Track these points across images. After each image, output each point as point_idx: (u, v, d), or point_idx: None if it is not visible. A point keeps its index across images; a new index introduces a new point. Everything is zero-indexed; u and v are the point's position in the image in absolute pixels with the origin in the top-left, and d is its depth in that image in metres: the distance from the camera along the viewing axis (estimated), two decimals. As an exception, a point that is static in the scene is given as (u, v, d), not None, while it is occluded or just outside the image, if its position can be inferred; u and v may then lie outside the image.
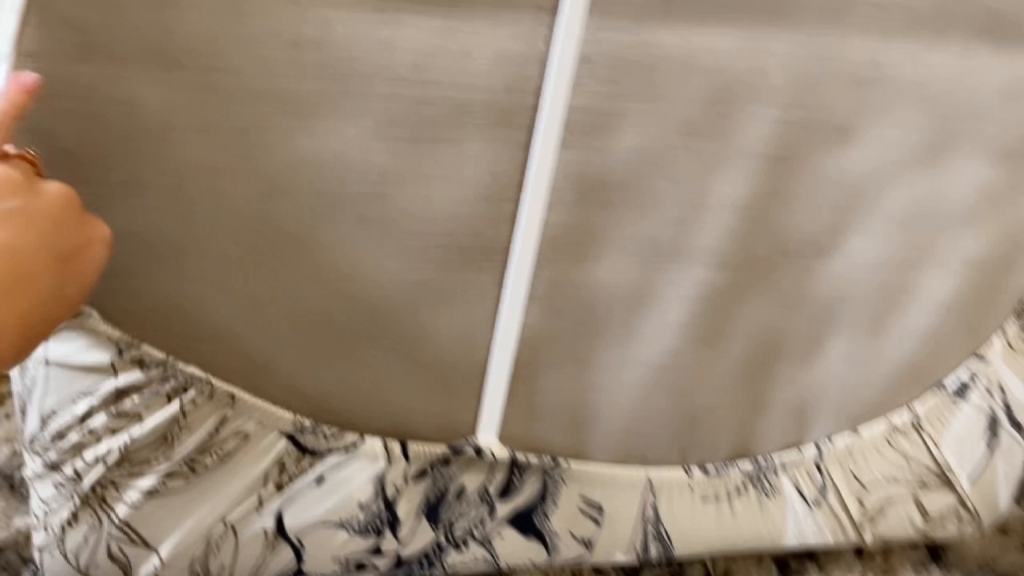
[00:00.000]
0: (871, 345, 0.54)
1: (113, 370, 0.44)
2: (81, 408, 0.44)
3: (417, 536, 0.51)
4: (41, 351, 0.44)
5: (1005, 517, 0.73)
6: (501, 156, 0.46)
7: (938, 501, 0.59)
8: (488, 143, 0.46)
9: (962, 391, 0.57)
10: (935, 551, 0.69)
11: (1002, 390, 0.58)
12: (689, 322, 0.51)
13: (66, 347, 0.44)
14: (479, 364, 0.50)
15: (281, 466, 0.47)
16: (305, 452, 0.48)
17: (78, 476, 0.45)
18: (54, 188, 0.34)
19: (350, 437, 0.48)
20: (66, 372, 0.44)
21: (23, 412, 0.46)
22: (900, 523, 0.59)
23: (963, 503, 0.59)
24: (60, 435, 0.45)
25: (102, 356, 0.44)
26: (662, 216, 0.49)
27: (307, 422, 0.47)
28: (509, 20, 0.45)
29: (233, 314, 0.45)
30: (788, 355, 0.54)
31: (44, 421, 0.45)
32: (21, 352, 0.32)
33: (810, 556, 0.67)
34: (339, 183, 0.44)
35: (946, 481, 0.58)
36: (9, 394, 0.68)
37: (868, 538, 0.59)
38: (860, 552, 0.68)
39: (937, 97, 0.51)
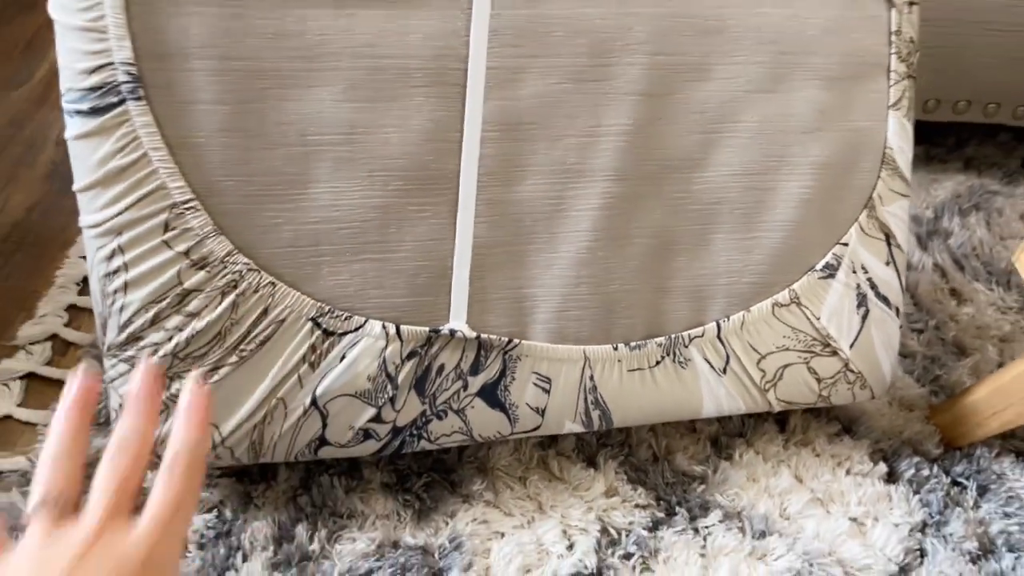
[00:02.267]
0: (748, 238, 0.69)
1: (179, 278, 0.60)
2: (152, 312, 0.60)
3: (408, 406, 0.66)
4: (123, 277, 0.60)
5: (905, 393, 0.86)
6: (438, 107, 0.63)
7: (827, 366, 0.73)
8: (427, 98, 0.62)
9: (830, 271, 0.71)
10: (848, 427, 0.83)
11: (864, 269, 0.72)
12: (598, 226, 0.67)
13: (140, 268, 0.60)
14: (444, 268, 0.65)
15: (312, 347, 0.63)
16: (328, 334, 0.63)
17: (146, 371, 0.61)
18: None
19: (357, 320, 0.63)
20: (140, 288, 0.60)
21: (104, 327, 0.62)
22: (798, 387, 0.73)
23: (848, 367, 0.73)
24: (136, 337, 0.61)
25: (171, 269, 0.60)
26: (566, 144, 0.65)
27: (326, 307, 0.63)
28: (434, 5, 0.61)
29: (254, 238, 0.61)
30: (681, 249, 0.69)
31: (122, 328, 0.61)
32: None
33: (740, 434, 0.81)
34: (319, 135, 0.61)
35: (829, 347, 0.72)
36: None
37: (772, 400, 0.73)
38: (783, 428, 0.82)
39: (771, 38, 0.67)
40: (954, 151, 1.17)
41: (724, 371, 0.71)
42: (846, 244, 0.71)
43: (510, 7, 0.62)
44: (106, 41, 0.57)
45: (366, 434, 0.66)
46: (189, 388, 0.45)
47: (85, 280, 0.89)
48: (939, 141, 1.18)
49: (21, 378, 0.81)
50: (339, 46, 0.60)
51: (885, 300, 0.73)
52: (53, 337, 0.85)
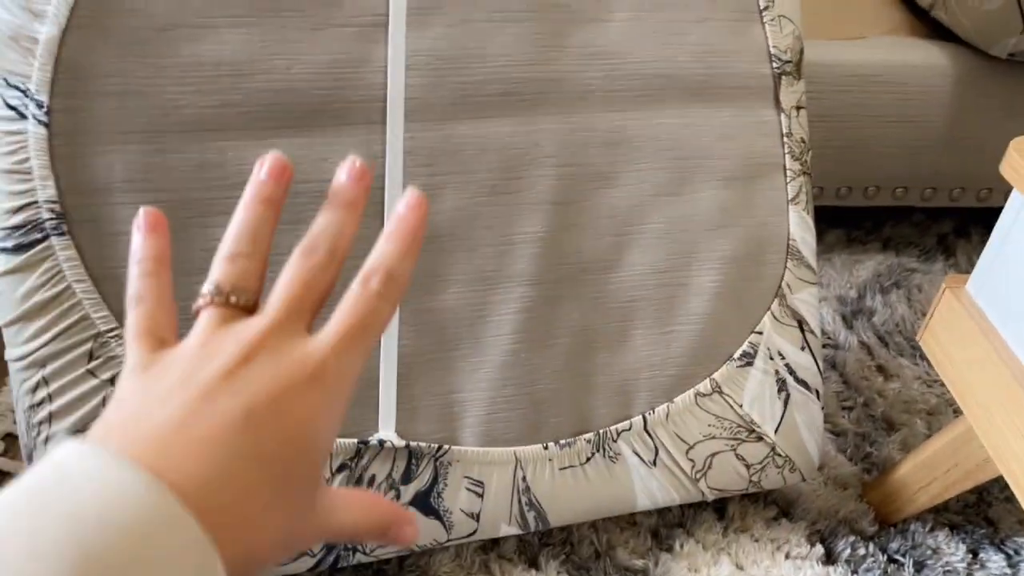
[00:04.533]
0: (666, 332, 0.72)
1: (104, 406, 0.60)
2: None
3: (337, 522, 0.66)
4: (48, 408, 0.61)
5: (839, 471, 0.88)
6: (359, 226, 0.65)
7: (754, 451, 0.75)
8: (347, 217, 0.65)
9: (748, 359, 0.74)
10: (786, 510, 0.84)
11: (781, 355, 0.75)
12: (520, 328, 0.69)
13: (65, 398, 0.60)
14: (371, 379, 0.67)
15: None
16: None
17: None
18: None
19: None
20: (66, 418, 0.61)
21: (30, 458, 0.62)
22: (728, 474, 0.75)
23: (775, 451, 0.75)
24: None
25: (96, 397, 0.60)
26: (484, 253, 0.68)
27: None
28: (350, 132, 0.65)
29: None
30: (602, 347, 0.71)
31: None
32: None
33: (679, 524, 0.82)
34: (243, 257, 0.63)
35: (754, 433, 0.74)
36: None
37: (705, 490, 0.74)
38: (721, 515, 0.83)
39: (670, 146, 0.71)
40: (872, 233, 1.23)
41: (654, 463, 0.72)
42: (761, 332, 0.74)
43: (423, 129, 0.66)
44: (30, 182, 0.59)
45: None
46: (406, 202, 0.34)
47: (21, 408, 0.89)
48: (858, 224, 1.24)
49: (-48, 513, 0.79)
50: (259, 174, 0.63)
51: (804, 384, 0.76)
52: (-12, 468, 0.84)
